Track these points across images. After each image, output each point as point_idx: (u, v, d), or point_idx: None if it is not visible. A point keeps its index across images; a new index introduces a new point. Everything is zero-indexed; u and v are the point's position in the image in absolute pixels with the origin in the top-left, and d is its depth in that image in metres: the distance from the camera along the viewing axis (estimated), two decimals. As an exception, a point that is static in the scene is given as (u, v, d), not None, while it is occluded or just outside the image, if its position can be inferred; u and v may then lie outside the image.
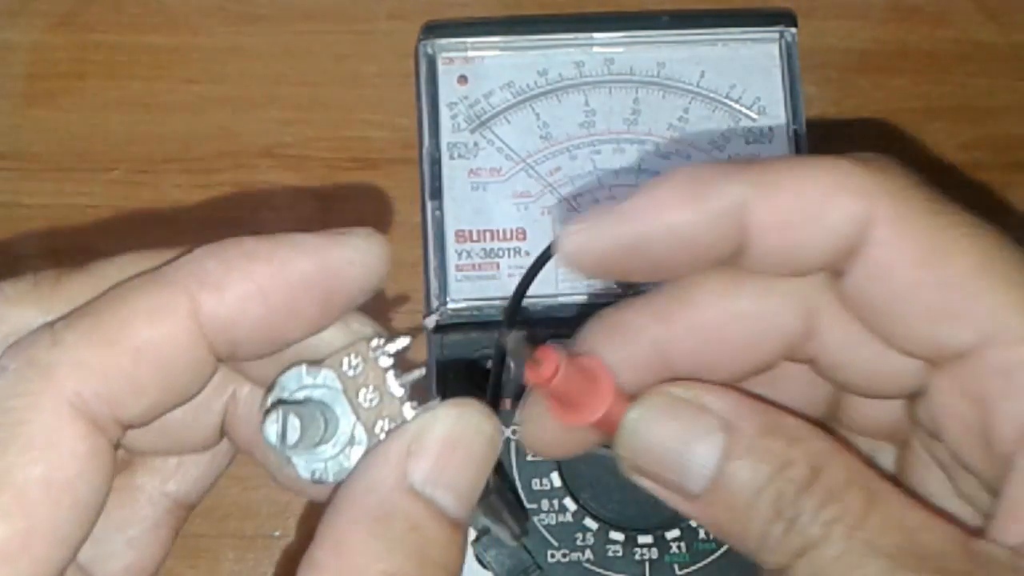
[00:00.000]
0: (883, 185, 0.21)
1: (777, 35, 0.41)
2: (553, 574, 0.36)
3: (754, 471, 0.22)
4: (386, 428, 0.22)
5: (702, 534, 0.37)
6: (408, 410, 0.22)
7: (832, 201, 0.21)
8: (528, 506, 0.37)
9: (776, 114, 0.41)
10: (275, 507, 0.42)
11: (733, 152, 0.40)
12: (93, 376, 0.20)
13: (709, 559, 0.37)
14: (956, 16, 0.47)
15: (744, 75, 0.41)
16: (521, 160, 0.40)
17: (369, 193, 0.45)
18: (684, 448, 0.22)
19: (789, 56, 0.41)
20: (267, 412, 0.21)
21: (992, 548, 0.21)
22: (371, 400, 0.22)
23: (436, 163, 0.40)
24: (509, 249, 0.39)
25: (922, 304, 0.21)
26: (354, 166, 0.45)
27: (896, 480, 0.25)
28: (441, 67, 0.40)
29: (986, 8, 0.47)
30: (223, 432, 0.25)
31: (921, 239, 0.21)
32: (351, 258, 0.22)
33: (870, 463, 0.22)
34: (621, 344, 0.23)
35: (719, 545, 0.37)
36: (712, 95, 0.41)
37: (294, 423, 0.21)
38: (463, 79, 0.40)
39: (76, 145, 0.45)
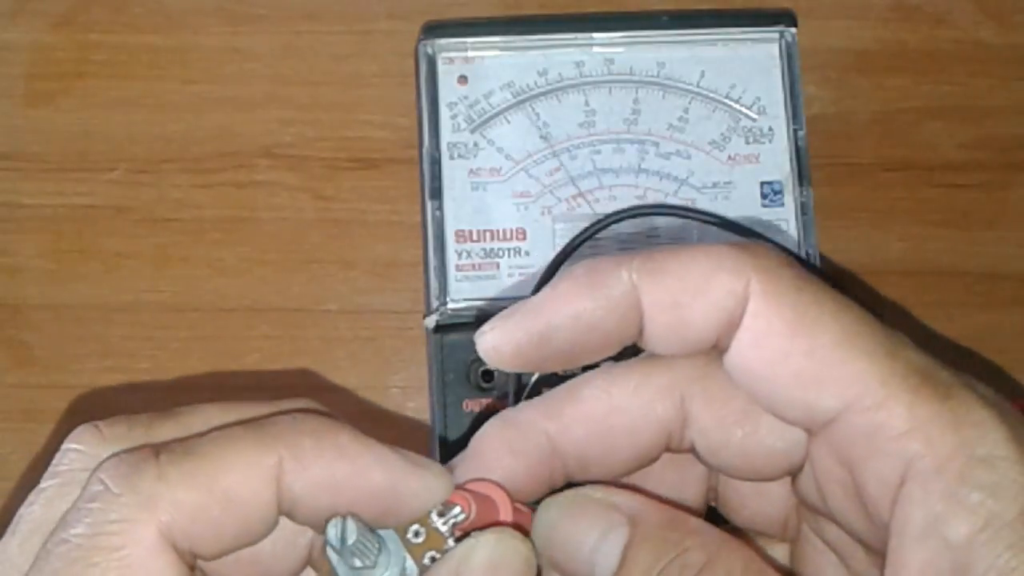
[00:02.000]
0: (756, 264, 0.24)
1: (777, 35, 0.41)
2: (553, 574, 0.36)
3: (653, 556, 0.23)
4: (435, 557, 0.24)
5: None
6: (451, 542, 0.24)
7: (712, 279, 0.24)
8: (528, 506, 0.37)
9: (776, 114, 0.41)
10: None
11: (733, 152, 0.40)
12: (186, 516, 0.22)
13: (709, 559, 0.37)
14: (956, 16, 0.47)
15: (744, 75, 0.41)
16: (521, 160, 0.40)
17: (369, 193, 0.45)
18: (592, 541, 0.24)
19: (789, 56, 0.41)
20: (329, 520, 0.24)
21: None
22: (419, 536, 0.24)
23: (436, 163, 0.40)
24: (509, 249, 0.39)
25: (792, 371, 0.23)
26: (354, 166, 0.45)
27: (791, 574, 0.27)
28: (441, 67, 0.40)
29: (986, 8, 0.47)
30: (308, 564, 0.27)
31: (789, 312, 0.23)
32: (418, 492, 0.24)
33: (766, 557, 0.24)
34: (516, 440, 0.25)
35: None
36: (712, 95, 0.41)
37: (351, 526, 0.23)
38: (463, 79, 0.40)
39: (76, 145, 0.45)
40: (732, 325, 0.24)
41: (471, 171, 0.40)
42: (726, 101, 0.41)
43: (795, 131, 0.41)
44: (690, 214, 0.39)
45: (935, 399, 0.22)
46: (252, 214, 0.44)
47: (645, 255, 0.24)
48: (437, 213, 0.39)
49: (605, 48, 0.41)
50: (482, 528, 0.25)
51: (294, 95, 0.45)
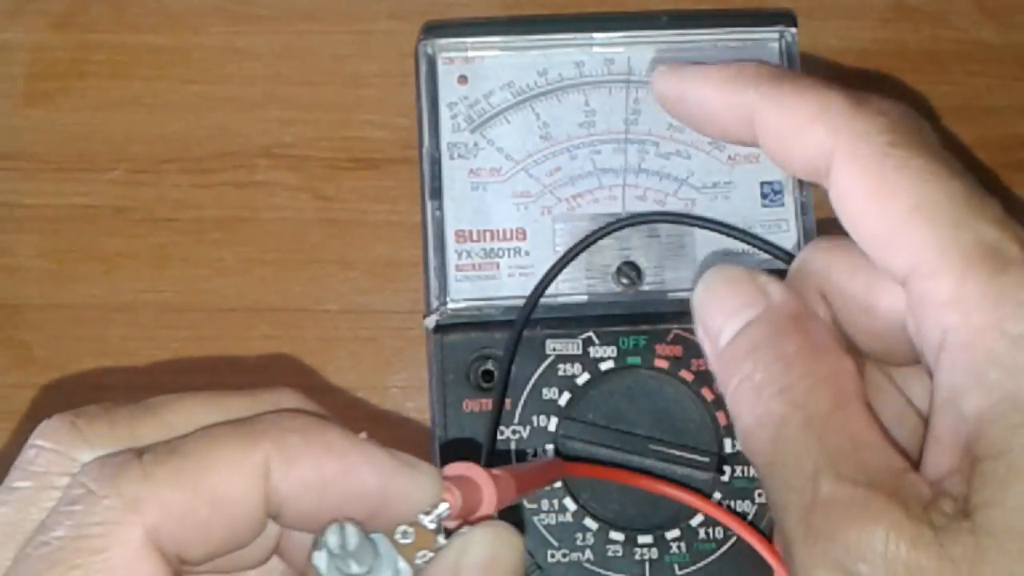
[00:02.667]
0: (851, 125, 0.25)
1: (777, 35, 0.41)
2: (553, 574, 0.36)
3: (749, 348, 0.25)
4: (426, 557, 0.24)
5: (702, 534, 0.37)
6: (441, 540, 0.24)
7: (808, 127, 0.25)
8: (528, 506, 0.37)
9: (776, 114, 0.41)
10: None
11: (733, 152, 0.40)
12: (172, 517, 0.21)
13: (709, 559, 0.37)
14: (956, 16, 0.47)
15: (744, 75, 0.41)
16: (521, 160, 0.40)
17: (369, 193, 0.45)
18: (726, 315, 0.26)
19: (789, 56, 0.41)
20: (317, 541, 0.23)
21: (916, 482, 0.22)
22: (407, 536, 0.24)
23: (436, 163, 0.40)
24: (509, 249, 0.39)
25: (868, 231, 0.24)
26: (354, 166, 0.45)
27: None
28: (441, 67, 0.40)
29: (986, 8, 0.47)
30: (275, 552, 0.26)
31: (869, 176, 0.24)
32: (408, 492, 0.24)
33: (856, 380, 0.24)
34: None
35: (719, 545, 0.37)
36: (712, 95, 0.41)
37: (351, 531, 0.23)
38: (463, 79, 0.40)
39: (76, 145, 0.45)
40: (823, 174, 0.25)
41: (471, 171, 0.40)
42: (726, 101, 0.41)
43: (795, 131, 0.41)
44: (693, 222, 0.39)
45: (988, 273, 0.22)
46: (252, 214, 0.44)
47: (773, 76, 0.27)
48: (437, 213, 0.39)
49: (605, 48, 0.41)
50: (467, 516, 0.24)
51: (294, 95, 0.46)
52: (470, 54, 0.41)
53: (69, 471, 0.22)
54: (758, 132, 0.27)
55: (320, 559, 0.23)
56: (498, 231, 0.40)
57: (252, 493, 0.22)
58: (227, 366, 0.43)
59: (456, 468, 0.25)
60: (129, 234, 0.44)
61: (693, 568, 0.37)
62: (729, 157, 0.40)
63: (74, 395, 0.43)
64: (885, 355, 0.27)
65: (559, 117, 0.40)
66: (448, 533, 0.24)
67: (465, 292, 0.39)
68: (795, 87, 0.26)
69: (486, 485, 0.25)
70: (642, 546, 0.37)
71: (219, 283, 0.44)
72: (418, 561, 0.24)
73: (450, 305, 0.39)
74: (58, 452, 0.23)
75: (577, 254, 0.38)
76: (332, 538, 0.23)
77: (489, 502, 0.25)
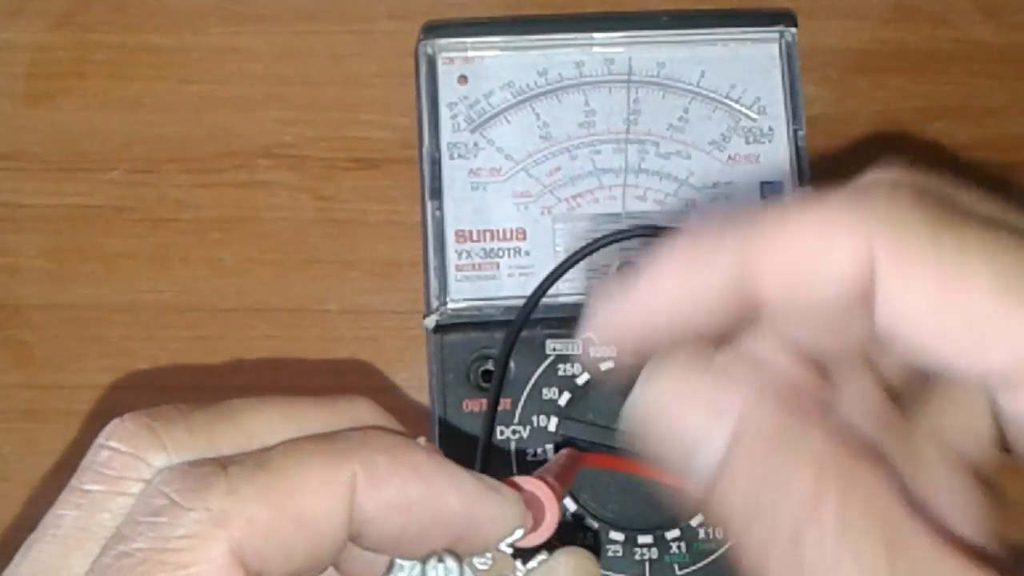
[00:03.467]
0: (877, 216, 0.20)
1: (777, 35, 0.41)
2: (553, 574, 0.36)
3: (757, 478, 0.21)
4: None
5: (702, 534, 0.37)
6: (520, 565, 0.24)
7: (828, 245, 0.20)
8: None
9: (776, 114, 0.41)
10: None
11: (733, 152, 0.40)
12: (258, 534, 0.20)
13: (709, 559, 0.37)
14: (956, 16, 0.47)
15: (744, 75, 0.41)
16: (521, 160, 0.40)
17: (369, 193, 0.45)
18: (694, 432, 0.21)
19: (789, 56, 0.41)
20: (392, 564, 0.23)
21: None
22: (486, 563, 0.23)
23: (436, 163, 0.40)
24: (509, 249, 0.39)
25: (946, 334, 0.20)
26: (354, 166, 0.45)
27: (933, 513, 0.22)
28: (441, 67, 0.40)
29: (986, 8, 0.47)
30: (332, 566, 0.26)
31: (928, 267, 0.20)
32: (494, 519, 0.23)
33: (905, 492, 0.20)
34: (697, 262, 0.22)
35: (719, 545, 0.37)
36: (712, 95, 0.41)
37: (453, 565, 0.22)
38: (463, 79, 0.40)
39: (76, 145, 0.45)
40: (866, 291, 0.20)
41: (471, 171, 0.40)
42: (726, 101, 0.41)
43: (795, 131, 0.41)
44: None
45: None
46: (252, 214, 0.44)
47: (749, 224, 0.21)
48: (437, 213, 0.39)
49: (605, 48, 0.41)
50: (531, 530, 0.24)
51: (294, 95, 0.45)
52: (470, 54, 0.41)
53: (143, 477, 0.22)
54: (763, 294, 0.21)
55: None
56: (498, 231, 0.40)
57: (337, 513, 0.21)
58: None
59: (522, 481, 0.25)
60: (129, 234, 0.44)
61: (693, 568, 0.37)
62: (729, 157, 0.40)
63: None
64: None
65: (559, 117, 0.40)
66: (516, 553, 0.24)
67: (465, 292, 0.39)
68: (775, 219, 0.21)
69: (548, 501, 0.24)
70: (642, 546, 0.37)
71: (219, 283, 0.44)
72: None
73: (450, 305, 0.39)
74: (134, 456, 0.22)
75: (578, 260, 0.38)
76: (432, 569, 0.22)
77: (552, 519, 0.24)
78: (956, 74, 0.46)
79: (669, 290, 0.22)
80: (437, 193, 0.40)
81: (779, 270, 0.21)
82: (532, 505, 0.24)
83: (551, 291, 0.38)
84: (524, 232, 0.40)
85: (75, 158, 0.45)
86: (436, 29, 0.41)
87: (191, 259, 0.44)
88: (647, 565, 0.37)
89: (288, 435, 0.23)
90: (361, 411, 0.24)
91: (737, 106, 0.41)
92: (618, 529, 0.37)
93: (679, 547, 0.37)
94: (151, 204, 0.44)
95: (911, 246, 0.20)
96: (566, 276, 0.39)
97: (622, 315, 0.22)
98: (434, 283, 0.39)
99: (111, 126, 0.45)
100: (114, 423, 0.22)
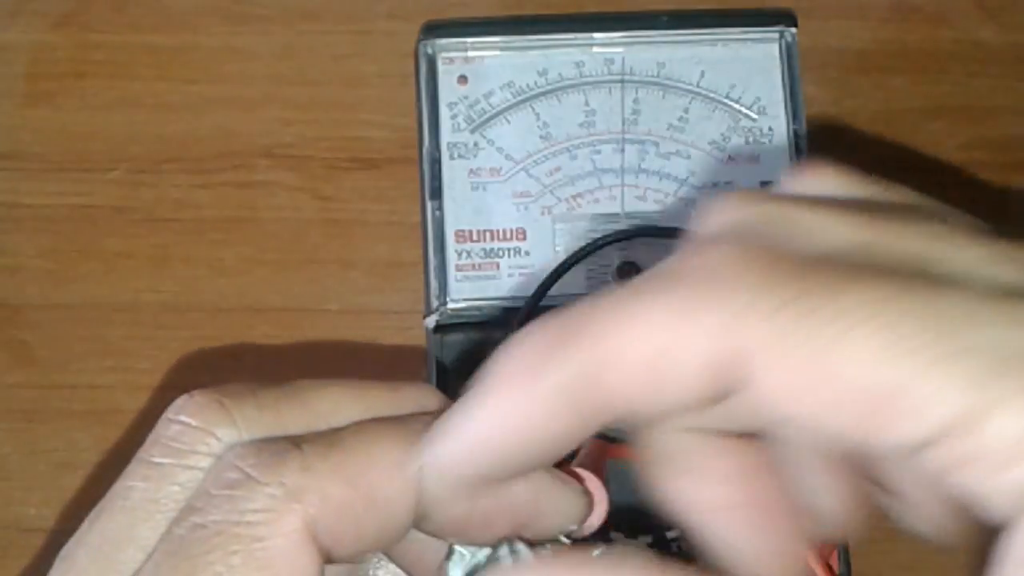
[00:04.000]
0: (738, 305, 0.18)
1: (777, 35, 0.41)
2: (553, 574, 0.36)
3: None
4: None
5: (702, 534, 0.37)
6: None
7: (683, 347, 0.18)
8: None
9: (776, 114, 0.41)
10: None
11: (733, 152, 0.40)
12: (331, 511, 0.20)
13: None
14: (956, 16, 0.47)
15: (744, 75, 0.41)
16: (521, 160, 0.40)
17: (369, 193, 0.45)
18: None
19: (789, 56, 0.41)
20: (451, 550, 0.23)
21: None
22: (546, 554, 0.23)
23: (436, 163, 0.40)
24: (509, 249, 0.39)
25: (844, 423, 0.18)
26: (354, 166, 0.45)
27: None
28: (441, 67, 0.40)
29: (986, 8, 0.47)
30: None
31: (804, 358, 0.17)
32: (560, 508, 0.23)
33: None
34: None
35: (719, 545, 0.37)
36: (712, 95, 0.41)
37: (525, 551, 0.22)
38: (463, 79, 0.40)
39: (76, 145, 0.45)
40: (731, 386, 0.18)
41: (471, 171, 0.40)
42: (726, 101, 0.41)
43: (795, 131, 0.41)
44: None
45: None
46: (252, 214, 0.44)
47: (582, 333, 0.19)
48: (437, 213, 0.39)
49: (605, 48, 0.41)
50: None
51: (294, 95, 0.45)
52: (470, 54, 0.41)
53: (213, 451, 0.21)
54: (608, 402, 0.19)
55: (455, 572, 0.23)
56: (498, 231, 0.40)
57: (407, 494, 0.21)
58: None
59: (579, 473, 0.24)
60: (129, 234, 0.44)
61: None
62: (729, 157, 0.40)
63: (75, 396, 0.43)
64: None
65: (559, 117, 0.40)
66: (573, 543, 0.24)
67: (465, 292, 0.39)
68: (611, 313, 0.19)
69: (599, 492, 0.24)
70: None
71: (219, 283, 0.44)
72: None
73: (450, 305, 0.39)
74: (204, 431, 0.22)
75: (578, 261, 0.38)
76: (505, 558, 0.22)
77: (602, 510, 0.24)
78: (956, 74, 0.46)
79: (500, 421, 0.20)
80: (437, 193, 0.40)
81: (625, 382, 0.19)
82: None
83: (551, 291, 0.38)
84: (524, 232, 0.40)
85: (75, 158, 0.45)
86: (436, 29, 0.41)
87: (191, 259, 0.44)
88: (647, 565, 0.37)
89: (355, 416, 0.23)
90: (427, 397, 0.24)
91: (737, 106, 0.41)
92: (618, 529, 0.37)
93: (679, 547, 0.37)
94: (151, 204, 0.45)
95: (775, 331, 0.17)
96: (566, 276, 0.39)
97: (459, 453, 0.21)
98: (434, 283, 0.39)
99: (111, 126, 0.45)
100: (183, 398, 0.22)
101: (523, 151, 0.40)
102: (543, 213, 0.40)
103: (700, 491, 0.21)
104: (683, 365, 0.18)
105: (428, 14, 0.42)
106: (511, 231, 0.40)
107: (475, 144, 0.40)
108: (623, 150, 0.40)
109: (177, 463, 0.21)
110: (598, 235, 0.39)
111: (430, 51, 0.41)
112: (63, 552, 0.22)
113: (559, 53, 0.41)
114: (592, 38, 0.41)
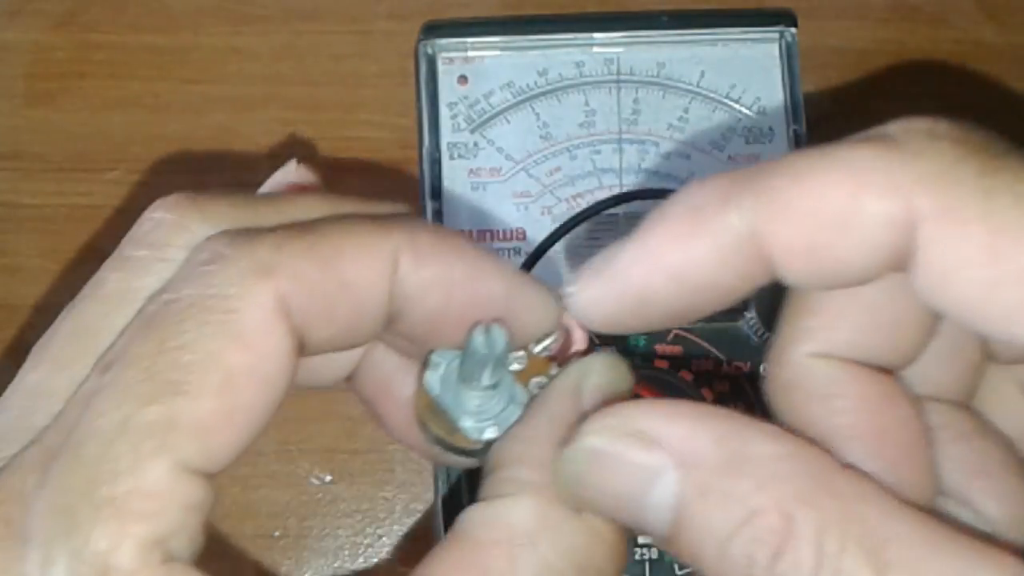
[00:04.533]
0: (919, 172, 0.18)
1: (777, 35, 0.41)
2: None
3: (716, 523, 0.18)
4: (542, 383, 0.23)
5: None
6: (554, 368, 0.23)
7: (859, 208, 0.18)
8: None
9: (776, 114, 0.41)
10: (275, 507, 0.42)
11: (733, 152, 0.40)
12: (303, 290, 0.20)
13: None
14: (956, 16, 0.47)
15: (744, 75, 0.41)
16: (521, 160, 0.40)
17: (369, 193, 0.45)
18: (637, 495, 0.19)
19: (789, 56, 0.41)
20: (428, 361, 0.22)
21: None
22: (521, 362, 0.23)
23: (436, 163, 0.40)
24: (509, 249, 0.39)
25: (1004, 306, 0.17)
26: (354, 166, 0.45)
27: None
28: (441, 67, 0.40)
29: (986, 8, 0.47)
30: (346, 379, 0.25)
31: (982, 228, 0.17)
32: (533, 309, 0.22)
33: (879, 495, 0.18)
34: (700, 222, 0.20)
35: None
36: (712, 95, 0.41)
37: (499, 332, 0.21)
38: (463, 79, 0.40)
39: (76, 145, 0.45)
40: (902, 258, 0.18)
41: (471, 171, 0.40)
42: (726, 101, 0.41)
43: (795, 131, 0.41)
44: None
45: None
46: (252, 214, 0.44)
47: (759, 181, 0.19)
48: (437, 213, 0.39)
49: (605, 48, 0.41)
50: (560, 356, 0.23)
51: (294, 95, 0.45)
52: (470, 54, 0.41)
53: (188, 244, 0.21)
54: (777, 262, 0.19)
55: (433, 379, 0.22)
56: (498, 231, 0.40)
57: (380, 282, 0.21)
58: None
59: None
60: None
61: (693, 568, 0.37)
62: (729, 157, 0.40)
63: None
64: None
65: (559, 117, 0.40)
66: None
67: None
68: (791, 174, 0.19)
69: (577, 333, 0.23)
70: (642, 546, 0.37)
71: (219, 283, 0.44)
72: (531, 387, 0.23)
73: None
74: (178, 225, 0.22)
75: (575, 225, 0.37)
76: (478, 338, 0.21)
77: (581, 340, 0.23)
78: (956, 74, 0.46)
79: (665, 258, 0.20)
80: (437, 193, 0.40)
81: (798, 234, 0.18)
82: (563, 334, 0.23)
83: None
84: (524, 232, 0.40)
85: (75, 158, 0.45)
86: (436, 29, 0.41)
87: (191, 259, 0.44)
88: (647, 565, 0.37)
89: None
90: (402, 210, 0.24)
91: (737, 106, 0.41)
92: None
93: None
94: (151, 204, 0.44)
95: (958, 201, 0.17)
96: (564, 262, 0.39)
97: (609, 288, 0.20)
98: (434, 283, 0.39)
99: (111, 126, 0.45)
100: (157, 200, 0.23)
101: (523, 151, 0.40)
102: (543, 213, 0.40)
103: (831, 418, 0.20)
104: (858, 225, 0.18)
105: (428, 14, 0.42)
106: (511, 231, 0.40)
107: (475, 144, 0.40)
108: (623, 150, 0.40)
109: (150, 255, 0.22)
110: (599, 234, 0.39)
111: (430, 51, 0.41)
112: (36, 346, 0.22)
113: (559, 53, 0.41)
114: (592, 38, 0.41)
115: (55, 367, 0.21)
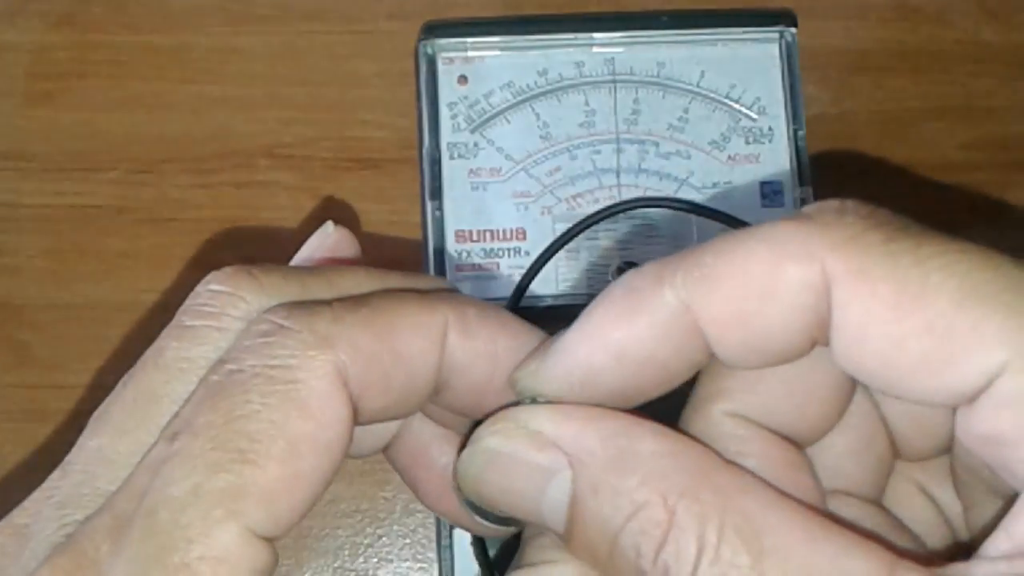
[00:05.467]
0: (827, 238, 0.19)
1: (777, 35, 0.41)
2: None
3: (606, 517, 0.19)
4: None
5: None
6: None
7: (779, 275, 0.19)
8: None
9: (776, 114, 0.41)
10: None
11: (733, 152, 0.40)
12: (361, 360, 0.21)
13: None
14: (957, 16, 0.47)
15: (744, 75, 0.41)
16: (521, 160, 0.40)
17: (369, 193, 0.45)
18: (534, 493, 0.20)
19: (789, 56, 0.41)
20: (471, 430, 0.23)
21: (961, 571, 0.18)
22: None
23: (436, 163, 0.40)
24: (509, 249, 0.39)
25: (914, 358, 0.19)
26: (354, 166, 0.45)
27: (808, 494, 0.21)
28: (441, 67, 0.40)
29: (987, 8, 0.47)
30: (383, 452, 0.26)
31: (887, 287, 0.19)
32: None
33: (759, 487, 0.19)
34: (637, 302, 0.21)
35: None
36: (712, 95, 0.41)
37: None
38: (463, 79, 0.40)
39: (76, 145, 0.45)
40: (822, 322, 0.19)
41: (471, 171, 0.40)
42: (726, 101, 0.41)
43: (795, 131, 0.41)
44: (689, 208, 0.39)
45: None
46: (252, 214, 0.44)
47: (688, 260, 0.20)
48: (437, 213, 0.39)
49: (605, 48, 0.41)
50: None
51: (294, 95, 0.45)
52: (470, 54, 0.41)
53: (244, 315, 0.22)
54: (709, 335, 0.20)
55: None
56: (498, 231, 0.40)
57: (431, 353, 0.22)
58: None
59: None
60: (129, 234, 0.44)
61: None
62: (729, 157, 0.40)
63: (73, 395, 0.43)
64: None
65: (559, 117, 0.40)
66: None
67: (465, 292, 0.39)
68: (717, 251, 0.20)
69: None
70: None
71: (219, 283, 0.44)
72: None
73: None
74: (234, 295, 0.23)
75: (568, 240, 0.38)
76: None
77: None
78: (956, 74, 0.46)
79: (606, 336, 0.21)
80: (437, 193, 0.40)
81: (726, 304, 0.20)
82: None
83: (551, 291, 0.38)
84: (524, 232, 0.40)
85: (75, 158, 0.45)
86: (436, 29, 0.41)
87: (191, 259, 0.44)
88: None
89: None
90: (444, 285, 0.25)
91: (737, 106, 0.41)
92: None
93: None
94: (151, 204, 0.44)
95: (866, 263, 0.19)
96: (565, 275, 0.39)
97: (556, 366, 0.21)
98: (434, 283, 0.39)
99: (111, 126, 0.45)
100: (212, 272, 0.23)
101: (523, 151, 0.40)
102: (543, 213, 0.40)
103: None
104: (779, 292, 0.19)
105: (428, 14, 0.42)
106: (511, 231, 0.40)
107: (475, 144, 0.40)
108: (623, 150, 0.40)
109: (209, 324, 0.22)
110: (599, 235, 0.39)
111: (430, 51, 0.40)
112: (96, 412, 0.22)
113: (559, 53, 0.41)
114: (592, 38, 0.41)
115: (117, 433, 0.22)
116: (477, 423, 0.23)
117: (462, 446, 0.23)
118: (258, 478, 0.20)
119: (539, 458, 0.20)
